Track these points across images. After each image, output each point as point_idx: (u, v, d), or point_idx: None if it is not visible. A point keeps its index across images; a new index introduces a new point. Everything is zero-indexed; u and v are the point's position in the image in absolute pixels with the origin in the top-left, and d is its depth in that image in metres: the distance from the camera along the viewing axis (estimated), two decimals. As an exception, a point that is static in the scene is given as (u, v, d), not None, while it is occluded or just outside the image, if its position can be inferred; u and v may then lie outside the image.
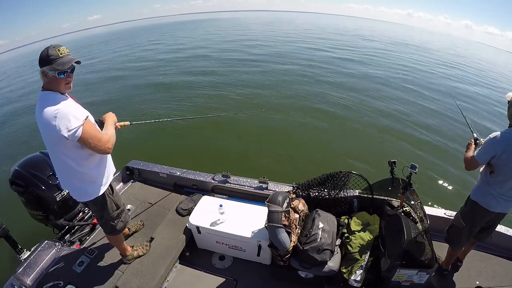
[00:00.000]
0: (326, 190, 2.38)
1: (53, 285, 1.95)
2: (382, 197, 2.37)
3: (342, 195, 2.39)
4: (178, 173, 2.95)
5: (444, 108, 8.03)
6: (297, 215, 2.15)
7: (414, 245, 1.75)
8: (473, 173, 1.90)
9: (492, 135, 1.62)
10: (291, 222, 2.01)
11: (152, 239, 2.36)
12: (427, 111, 7.82)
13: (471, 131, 2.02)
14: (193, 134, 5.95)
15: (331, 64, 12.99)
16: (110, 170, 1.76)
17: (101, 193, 1.67)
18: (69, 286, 1.95)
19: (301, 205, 2.23)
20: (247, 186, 2.76)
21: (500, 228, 2.15)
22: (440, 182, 4.52)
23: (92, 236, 2.43)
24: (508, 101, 1.64)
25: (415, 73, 12.75)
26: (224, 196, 2.79)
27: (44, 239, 2.25)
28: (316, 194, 2.41)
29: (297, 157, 5.09)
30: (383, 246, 1.95)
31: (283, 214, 1.90)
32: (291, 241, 1.96)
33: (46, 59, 1.35)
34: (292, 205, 2.12)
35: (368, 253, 2.00)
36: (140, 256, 2.19)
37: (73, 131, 1.36)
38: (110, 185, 1.79)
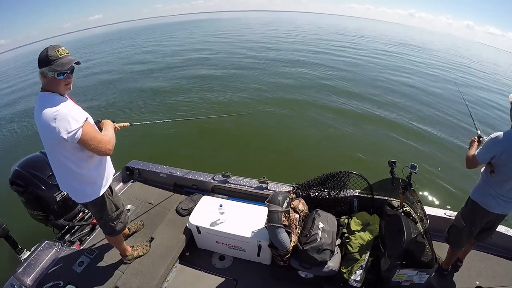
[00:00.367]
0: (326, 190, 2.38)
1: (53, 285, 1.95)
2: (382, 197, 2.37)
3: (342, 195, 2.39)
4: (178, 173, 2.95)
5: (446, 109, 8.03)
6: (297, 215, 2.15)
7: (414, 245, 1.75)
8: (475, 171, 1.89)
9: (493, 135, 1.62)
10: (291, 222, 2.01)
11: (152, 239, 2.36)
12: (427, 111, 7.83)
13: (476, 127, 2.01)
14: (193, 134, 5.95)
15: (331, 65, 12.98)
16: (109, 171, 1.76)
17: (100, 194, 1.67)
18: (69, 286, 1.95)
19: (301, 205, 2.23)
20: (247, 186, 2.76)
21: (500, 228, 2.15)
22: (440, 182, 4.52)
23: (92, 236, 2.43)
24: (511, 102, 1.64)
25: (416, 73, 12.74)
26: (224, 196, 2.79)
27: (44, 239, 2.25)
28: (316, 194, 2.41)
29: (297, 157, 5.08)
30: (383, 246, 1.95)
31: (283, 214, 1.90)
32: (291, 241, 1.96)
33: (45, 60, 1.34)
34: (292, 205, 2.12)
35: (368, 253, 2.00)
36: (140, 256, 2.19)
37: (72, 133, 1.35)
38: (110, 186, 1.78)
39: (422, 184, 4.24)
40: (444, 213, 2.35)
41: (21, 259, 2.20)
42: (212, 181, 2.86)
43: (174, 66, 13.00)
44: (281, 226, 1.87)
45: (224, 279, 2.24)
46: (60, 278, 2.00)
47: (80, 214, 2.56)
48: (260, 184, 2.73)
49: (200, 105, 7.66)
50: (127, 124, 1.96)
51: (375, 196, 2.38)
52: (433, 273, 1.84)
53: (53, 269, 2.09)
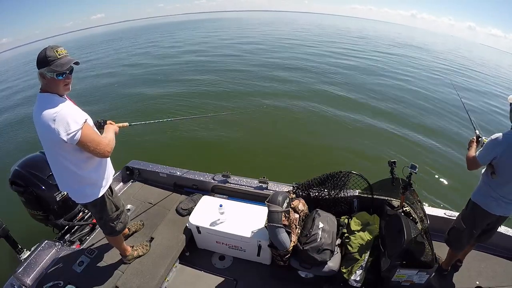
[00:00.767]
0: (326, 190, 2.38)
1: (53, 285, 1.95)
2: (382, 197, 2.36)
3: (342, 195, 2.39)
4: (178, 173, 2.95)
5: (446, 109, 8.03)
6: (297, 215, 2.15)
7: (414, 245, 1.75)
8: (475, 173, 1.89)
9: (493, 136, 1.62)
10: (291, 222, 2.01)
11: (152, 239, 2.36)
12: (428, 111, 7.83)
13: (474, 127, 2.01)
14: (193, 134, 5.94)
15: (332, 65, 12.96)
16: (109, 172, 1.76)
17: (100, 195, 1.67)
18: (69, 286, 1.95)
19: (301, 205, 2.23)
20: (247, 186, 2.76)
21: (500, 228, 2.15)
22: (440, 182, 4.52)
23: (92, 236, 2.43)
24: (511, 103, 1.63)
25: (418, 74, 12.73)
26: (224, 196, 2.79)
27: (44, 239, 2.26)
28: (316, 194, 2.41)
29: (297, 157, 5.08)
30: (383, 246, 1.95)
31: (283, 214, 1.90)
32: (291, 241, 1.96)
33: (44, 60, 1.33)
34: (292, 205, 2.12)
35: (368, 253, 2.00)
36: (140, 256, 2.19)
37: (72, 134, 1.35)
38: (110, 186, 1.78)
39: (422, 184, 4.24)
40: (444, 213, 2.35)
41: (21, 259, 2.20)
42: (212, 181, 2.86)
43: (174, 66, 12.98)
44: (281, 226, 1.87)
45: (224, 279, 2.24)
46: (60, 278, 2.00)
47: (80, 214, 2.56)
48: (260, 184, 2.73)
49: (200, 105, 7.66)
50: (126, 124, 1.96)
51: (375, 196, 2.37)
52: (433, 273, 1.83)
53: (53, 269, 2.09)
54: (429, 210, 2.38)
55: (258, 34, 26.04)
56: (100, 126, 1.70)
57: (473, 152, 1.78)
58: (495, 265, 2.16)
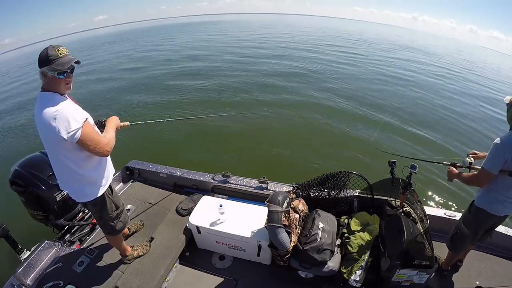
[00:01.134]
0: (326, 190, 2.38)
1: (53, 285, 1.95)
2: (382, 197, 2.37)
3: (342, 195, 2.39)
4: (178, 173, 2.95)
5: (445, 111, 8.06)
6: (297, 215, 2.15)
7: (414, 245, 1.75)
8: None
9: (497, 141, 1.56)
10: (291, 222, 2.01)
11: (152, 239, 2.36)
12: (428, 112, 7.85)
13: (439, 163, 2.03)
14: (193, 134, 5.95)
15: (332, 66, 12.99)
16: (109, 171, 1.76)
17: (100, 194, 1.67)
18: (69, 286, 1.94)
19: (301, 205, 2.23)
20: (247, 186, 2.76)
21: (500, 228, 2.15)
22: (440, 182, 4.52)
23: (92, 236, 2.43)
24: (507, 104, 1.62)
25: (420, 75, 12.75)
26: (224, 196, 2.79)
27: (44, 239, 2.25)
28: (316, 194, 2.41)
29: (297, 157, 5.09)
30: (383, 246, 1.95)
31: (283, 214, 1.90)
32: (291, 241, 1.96)
33: (45, 59, 1.34)
34: (292, 205, 2.12)
35: (368, 253, 2.00)
36: (140, 256, 2.19)
37: (72, 133, 1.36)
38: (110, 186, 1.79)
39: (422, 184, 4.24)
40: (444, 213, 2.35)
41: (21, 259, 2.20)
42: (212, 181, 2.86)
43: (174, 67, 13.00)
44: (281, 226, 1.87)
45: (224, 279, 2.24)
46: (60, 278, 2.00)
47: (80, 214, 2.56)
48: (260, 184, 2.73)
49: (201, 105, 7.67)
50: (127, 123, 1.96)
51: (375, 196, 2.37)
52: (433, 273, 1.84)
53: (53, 269, 2.09)
54: (429, 210, 2.38)
55: (259, 37, 25.89)
56: (101, 125, 1.70)
57: (464, 173, 1.74)
58: (495, 265, 2.16)
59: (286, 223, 1.93)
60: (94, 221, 2.53)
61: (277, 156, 5.09)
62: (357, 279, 1.90)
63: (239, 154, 5.24)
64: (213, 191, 2.89)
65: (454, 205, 3.99)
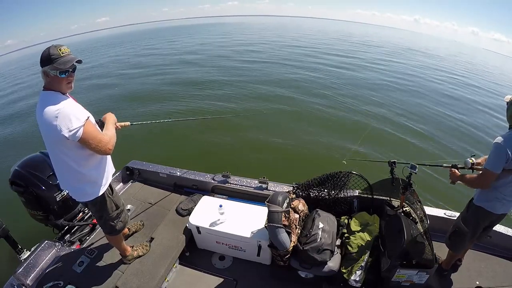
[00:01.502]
0: (326, 190, 2.38)
1: (53, 285, 1.95)
2: (382, 197, 2.37)
3: (342, 195, 2.39)
4: (178, 173, 2.95)
5: (446, 111, 8.06)
6: (297, 215, 2.15)
7: (414, 245, 1.75)
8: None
9: (498, 140, 1.56)
10: (291, 222, 2.01)
11: (152, 239, 2.36)
12: (428, 112, 7.85)
13: (439, 166, 2.04)
14: (193, 135, 5.95)
15: (332, 67, 13.02)
16: (109, 170, 1.76)
17: (100, 193, 1.67)
18: (69, 286, 1.94)
19: (301, 205, 2.23)
20: (247, 186, 2.76)
21: (500, 228, 2.15)
22: (440, 182, 4.52)
23: (92, 236, 2.43)
24: (507, 103, 1.63)
25: (421, 76, 12.75)
26: (224, 196, 2.79)
27: (44, 239, 2.25)
28: (316, 194, 2.41)
29: (297, 157, 5.09)
30: (383, 246, 1.95)
31: (283, 214, 1.90)
32: (291, 241, 1.96)
33: (47, 58, 1.35)
34: (292, 205, 2.12)
35: (368, 253, 2.00)
36: (140, 256, 2.19)
37: (74, 131, 1.36)
38: (110, 185, 1.79)
39: (422, 184, 4.24)
40: (444, 213, 2.35)
41: (21, 259, 2.20)
42: (212, 181, 2.86)
43: (174, 68, 13.02)
44: (281, 226, 1.87)
45: (224, 279, 2.24)
46: (60, 278, 2.00)
47: (80, 214, 2.56)
48: (260, 184, 2.73)
49: (201, 106, 7.67)
50: (128, 123, 1.97)
51: (375, 196, 2.38)
52: (433, 273, 1.84)
53: (53, 269, 2.08)
54: (429, 210, 2.38)
55: (262, 40, 25.81)
56: (102, 125, 1.70)
57: (467, 175, 1.73)
58: (495, 265, 2.16)
59: (286, 223, 1.93)
60: (94, 221, 2.53)
61: (277, 156, 5.09)
62: (357, 279, 1.89)
63: (239, 154, 5.24)
64: (213, 191, 2.89)
65: (454, 205, 3.99)
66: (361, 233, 2.13)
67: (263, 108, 7.31)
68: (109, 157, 1.74)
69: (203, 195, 2.59)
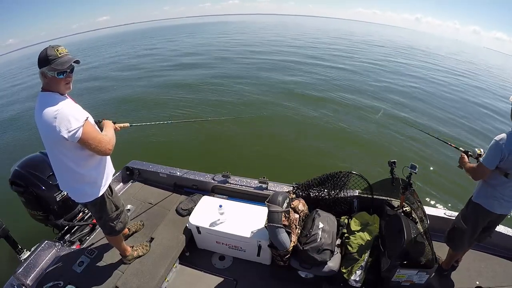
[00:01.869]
0: (326, 190, 2.38)
1: (53, 285, 1.95)
2: (382, 197, 2.37)
3: (342, 195, 2.39)
4: (178, 173, 2.95)
5: (447, 110, 8.05)
6: (297, 215, 2.15)
7: (414, 245, 1.75)
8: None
9: (497, 138, 1.58)
10: (291, 222, 2.01)
11: (152, 239, 2.36)
12: (428, 112, 7.84)
13: (456, 148, 2.02)
14: (193, 135, 5.95)
15: (332, 67, 12.99)
16: (109, 171, 1.76)
17: (100, 194, 1.67)
18: (69, 286, 1.95)
19: (301, 205, 2.23)
20: (247, 186, 2.76)
21: (500, 228, 2.15)
22: (440, 182, 4.52)
23: (92, 236, 2.43)
24: None
25: (421, 76, 12.72)
26: (224, 196, 2.79)
27: (44, 239, 2.25)
28: (316, 194, 2.41)
29: (297, 157, 5.09)
30: (383, 246, 1.95)
31: (283, 214, 1.90)
32: (291, 241, 1.96)
33: (45, 59, 1.34)
34: (292, 205, 2.12)
35: (368, 253, 1.99)
36: (140, 256, 2.19)
37: (73, 132, 1.35)
38: (109, 186, 1.79)
39: (422, 184, 4.24)
40: (444, 213, 2.35)
41: (21, 259, 2.20)
42: (212, 181, 2.86)
43: (175, 69, 12.99)
44: (281, 226, 1.87)
45: (224, 279, 2.24)
46: (60, 278, 2.00)
47: (80, 214, 2.56)
48: (260, 184, 2.73)
49: (201, 107, 7.66)
50: (127, 124, 1.97)
51: (375, 196, 2.37)
52: (433, 273, 1.83)
53: (53, 269, 2.09)
54: (429, 210, 2.38)
55: (262, 39, 25.71)
56: (100, 126, 1.70)
57: (471, 164, 1.75)
58: (495, 265, 2.16)
59: (286, 223, 1.93)
60: (94, 221, 2.53)
61: (277, 156, 5.09)
62: (357, 279, 1.89)
63: (239, 154, 5.24)
64: (213, 191, 2.89)
65: (454, 205, 3.99)
66: (361, 233, 2.13)
67: (263, 109, 7.30)
68: (108, 158, 1.74)
69: (203, 195, 2.59)
